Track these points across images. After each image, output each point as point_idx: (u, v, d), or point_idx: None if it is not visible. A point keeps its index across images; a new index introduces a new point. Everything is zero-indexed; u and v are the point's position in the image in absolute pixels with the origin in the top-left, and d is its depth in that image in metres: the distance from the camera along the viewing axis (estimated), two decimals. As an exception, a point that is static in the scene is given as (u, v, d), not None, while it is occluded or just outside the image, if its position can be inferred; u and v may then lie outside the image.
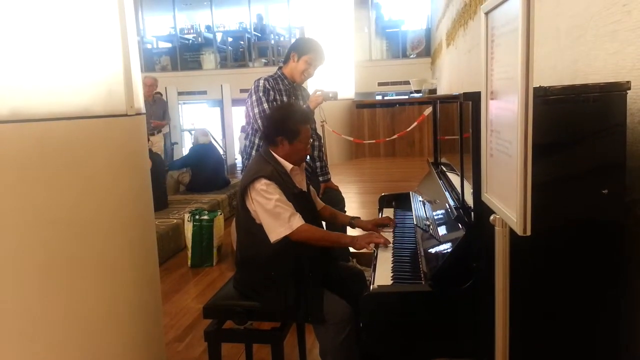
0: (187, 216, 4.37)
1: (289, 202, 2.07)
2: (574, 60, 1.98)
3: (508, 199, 1.07)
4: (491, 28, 1.16)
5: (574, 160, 1.41)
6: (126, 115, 1.83)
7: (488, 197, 1.23)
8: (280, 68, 3.12)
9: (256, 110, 2.91)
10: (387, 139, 8.26)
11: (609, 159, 1.38)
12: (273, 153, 2.17)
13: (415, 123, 7.76)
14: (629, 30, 1.52)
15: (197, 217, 4.32)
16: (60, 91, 1.61)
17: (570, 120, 1.38)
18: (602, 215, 1.41)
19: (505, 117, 1.08)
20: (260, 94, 2.90)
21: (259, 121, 2.89)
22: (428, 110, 7.23)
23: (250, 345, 2.60)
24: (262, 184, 2.05)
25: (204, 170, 6.10)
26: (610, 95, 1.31)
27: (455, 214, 1.60)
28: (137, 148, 1.94)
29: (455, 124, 1.93)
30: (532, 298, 1.43)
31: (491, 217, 1.15)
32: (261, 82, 2.96)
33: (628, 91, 1.30)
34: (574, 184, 1.42)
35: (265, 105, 2.88)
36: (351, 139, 8.31)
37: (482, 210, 1.31)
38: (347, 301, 2.07)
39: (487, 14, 1.17)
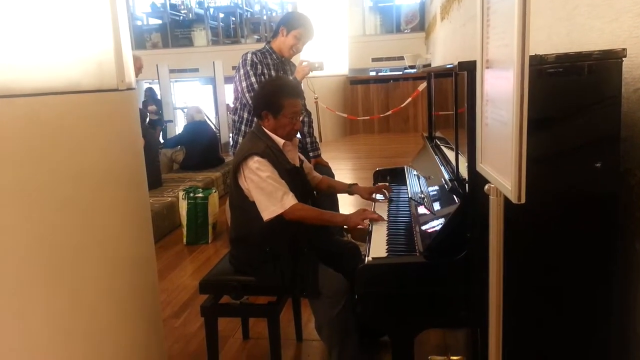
0: (181, 194, 4.36)
1: (282, 180, 2.06)
2: (569, 31, 1.96)
3: (503, 168, 1.06)
4: (487, -5, 1.14)
5: (569, 132, 1.40)
6: (117, 90, 1.80)
7: (483, 167, 1.23)
8: (268, 42, 3.09)
9: (244, 84, 2.89)
10: (382, 115, 8.24)
11: (604, 131, 1.38)
12: (264, 129, 2.16)
13: (410, 99, 7.73)
14: (624, -2, 1.50)
15: (191, 194, 4.31)
16: (49, 66, 1.57)
17: (565, 90, 1.37)
18: (595, 187, 1.41)
19: (501, 86, 1.07)
20: (248, 68, 2.88)
21: (246, 95, 2.88)
22: (422, 86, 7.20)
23: (247, 320, 2.63)
24: (254, 162, 2.03)
25: (199, 148, 6.06)
26: (606, 63, 1.29)
27: (450, 185, 1.60)
28: (129, 123, 1.91)
29: (449, 99, 1.92)
30: (527, 270, 1.43)
31: (486, 187, 1.15)
32: (249, 55, 2.94)
33: (624, 59, 1.28)
34: (568, 156, 1.41)
35: (253, 79, 2.86)
36: (345, 115, 8.27)
37: (477, 180, 1.31)
38: (343, 275, 2.08)
39: (482, -20, 1.15)
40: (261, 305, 2.20)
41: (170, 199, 4.80)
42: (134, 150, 1.96)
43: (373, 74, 11.81)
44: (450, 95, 1.86)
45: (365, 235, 1.99)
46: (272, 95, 2.13)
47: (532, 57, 1.25)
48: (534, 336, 1.51)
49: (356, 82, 9.03)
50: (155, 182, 5.13)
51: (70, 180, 1.64)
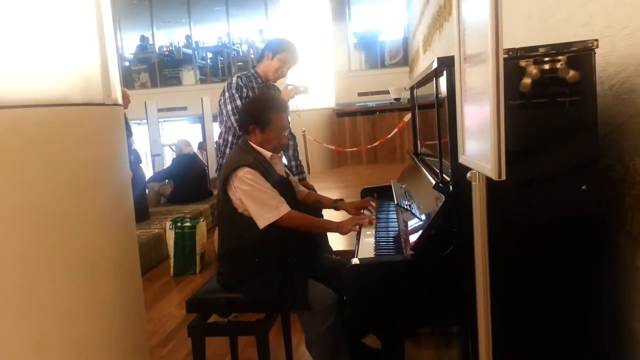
0: (168, 224, 4.31)
1: (274, 189, 2.06)
2: (546, 40, 2.03)
3: (483, 152, 1.08)
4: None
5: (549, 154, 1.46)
6: (103, 104, 1.81)
7: (465, 158, 1.24)
8: (253, 67, 3.14)
9: (229, 107, 2.91)
10: (369, 147, 8.31)
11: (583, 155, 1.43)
12: (250, 143, 2.17)
13: (396, 129, 7.83)
14: (595, 1, 1.56)
15: (179, 224, 4.27)
16: (35, 77, 1.58)
17: (541, 87, 1.41)
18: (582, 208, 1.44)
19: (478, 74, 1.10)
20: (233, 91, 2.91)
21: (231, 118, 2.89)
22: (408, 117, 7.30)
23: (236, 344, 2.56)
24: (244, 172, 2.04)
25: (187, 181, 6.05)
26: (578, 56, 1.33)
27: (434, 182, 1.61)
28: (115, 139, 1.91)
29: (434, 130, 1.95)
30: (516, 277, 1.45)
31: (468, 174, 1.16)
32: (234, 79, 2.97)
33: (596, 51, 1.32)
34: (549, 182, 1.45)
35: (238, 102, 2.88)
36: (333, 147, 8.33)
37: (460, 174, 1.32)
38: (332, 290, 2.06)
39: (456, -24, 1.20)
40: (250, 322, 2.16)
41: (157, 230, 4.74)
42: (120, 165, 1.94)
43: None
44: (434, 124, 1.89)
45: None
46: (260, 109, 2.16)
47: (507, 50, 1.30)
48: (524, 333, 1.49)
49: (343, 115, 9.14)
50: (142, 215, 5.08)
51: (54, 193, 1.62)
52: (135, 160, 4.78)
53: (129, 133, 6.95)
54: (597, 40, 1.31)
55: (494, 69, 0.95)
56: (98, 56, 1.77)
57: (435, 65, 1.43)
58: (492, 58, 0.97)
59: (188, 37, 14.04)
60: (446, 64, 1.36)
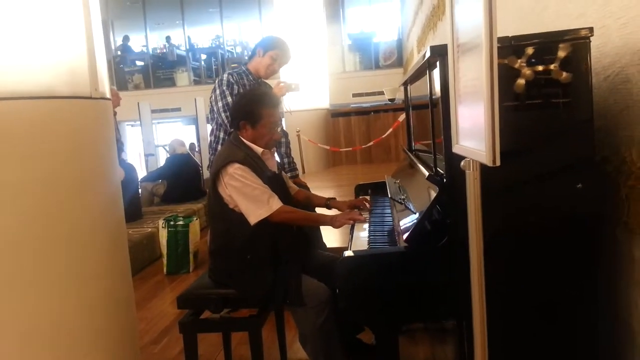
0: (161, 222, 4.27)
1: (265, 185, 2.03)
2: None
3: (477, 139, 1.06)
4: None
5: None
6: (91, 97, 1.77)
7: (459, 147, 1.22)
8: (245, 64, 3.11)
9: (220, 104, 2.89)
10: (364, 146, 8.29)
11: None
12: (242, 138, 2.14)
13: (391, 129, 7.82)
14: (590, -9, 1.55)
15: (171, 222, 4.24)
16: (19, 69, 1.55)
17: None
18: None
19: (473, 62, 1.08)
20: (224, 88, 2.89)
21: (222, 115, 2.87)
22: (402, 117, 7.30)
23: (229, 338, 2.52)
24: (235, 168, 2.01)
25: (181, 180, 6.01)
26: (573, 45, 1.31)
27: (427, 174, 1.59)
28: (103, 134, 1.88)
29: (428, 129, 1.93)
30: (513, 275, 1.43)
31: (462, 163, 1.14)
32: (225, 76, 2.95)
33: (591, 39, 1.31)
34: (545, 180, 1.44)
35: (229, 99, 2.86)
36: (327, 147, 8.31)
37: (454, 164, 1.30)
38: (326, 286, 2.03)
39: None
40: (242, 318, 2.13)
41: (150, 229, 4.70)
42: (109, 161, 1.91)
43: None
44: (427, 122, 1.87)
45: None
46: (251, 105, 2.13)
47: (501, 39, 1.28)
48: (520, 328, 1.47)
49: (337, 115, 9.12)
50: (135, 214, 5.05)
51: (38, 189, 1.58)
52: (128, 170, 4.73)
53: (120, 146, 6.88)
54: (592, 28, 1.29)
55: (487, 49, 0.93)
56: (85, 48, 1.74)
57: (428, 54, 1.41)
58: (485, 37, 0.95)
59: (168, 39, 13.99)
60: (439, 53, 1.34)
